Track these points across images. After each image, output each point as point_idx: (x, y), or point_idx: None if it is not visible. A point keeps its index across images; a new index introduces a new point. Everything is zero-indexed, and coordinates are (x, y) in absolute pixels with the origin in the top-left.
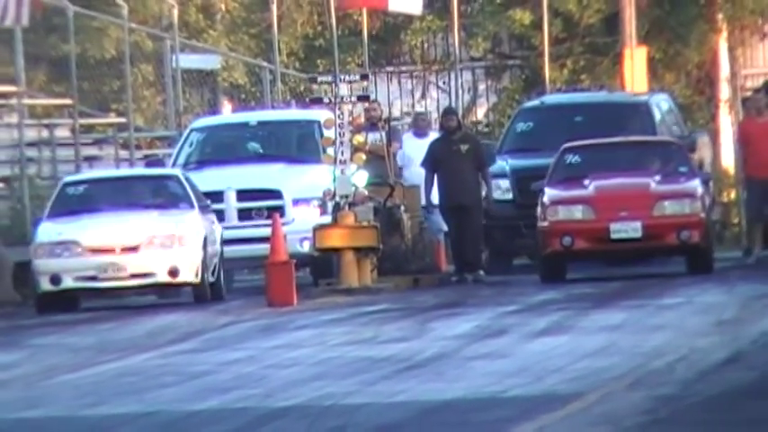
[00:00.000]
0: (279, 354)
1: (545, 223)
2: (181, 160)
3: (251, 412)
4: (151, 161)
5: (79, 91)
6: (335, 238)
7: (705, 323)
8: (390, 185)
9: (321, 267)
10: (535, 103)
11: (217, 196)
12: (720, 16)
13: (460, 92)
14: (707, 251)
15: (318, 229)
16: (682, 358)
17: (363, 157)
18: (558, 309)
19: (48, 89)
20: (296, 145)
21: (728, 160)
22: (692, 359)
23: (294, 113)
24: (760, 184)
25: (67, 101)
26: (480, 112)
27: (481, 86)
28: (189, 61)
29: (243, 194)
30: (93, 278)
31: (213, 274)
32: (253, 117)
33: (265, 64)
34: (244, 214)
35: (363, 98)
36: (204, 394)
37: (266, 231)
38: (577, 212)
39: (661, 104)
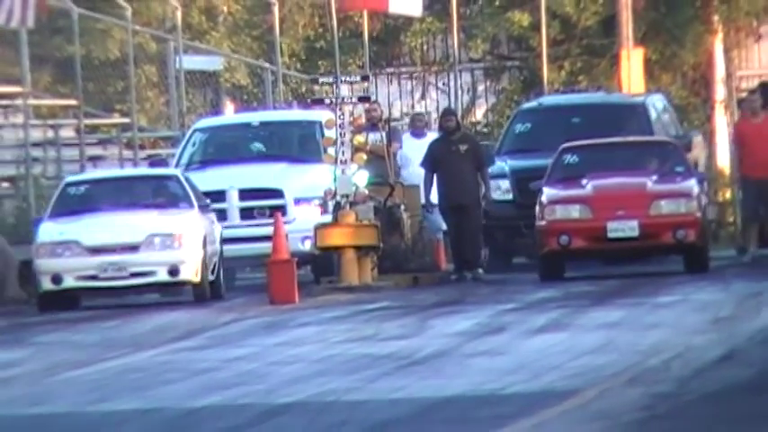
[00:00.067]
0: (281, 351)
1: (543, 222)
2: (184, 160)
3: (253, 409)
4: (154, 161)
5: (84, 92)
6: (336, 237)
7: (701, 321)
8: (390, 185)
9: (322, 266)
10: (533, 104)
11: (219, 195)
12: (716, 18)
13: (460, 93)
14: (703, 250)
15: (319, 227)
16: (678, 355)
17: (364, 157)
18: (557, 307)
19: (53, 90)
20: (297, 145)
21: (724, 160)
22: (689, 356)
23: (296, 114)
24: (755, 185)
25: (72, 101)
26: (479, 113)
27: (480, 87)
28: (192, 62)
29: (245, 194)
30: (94, 277)
31: (213, 273)
32: (255, 117)
33: (267, 65)
34: (246, 213)
35: (364, 99)
36: (207, 391)
37: (268, 230)
38: (575, 212)
39: (657, 105)
